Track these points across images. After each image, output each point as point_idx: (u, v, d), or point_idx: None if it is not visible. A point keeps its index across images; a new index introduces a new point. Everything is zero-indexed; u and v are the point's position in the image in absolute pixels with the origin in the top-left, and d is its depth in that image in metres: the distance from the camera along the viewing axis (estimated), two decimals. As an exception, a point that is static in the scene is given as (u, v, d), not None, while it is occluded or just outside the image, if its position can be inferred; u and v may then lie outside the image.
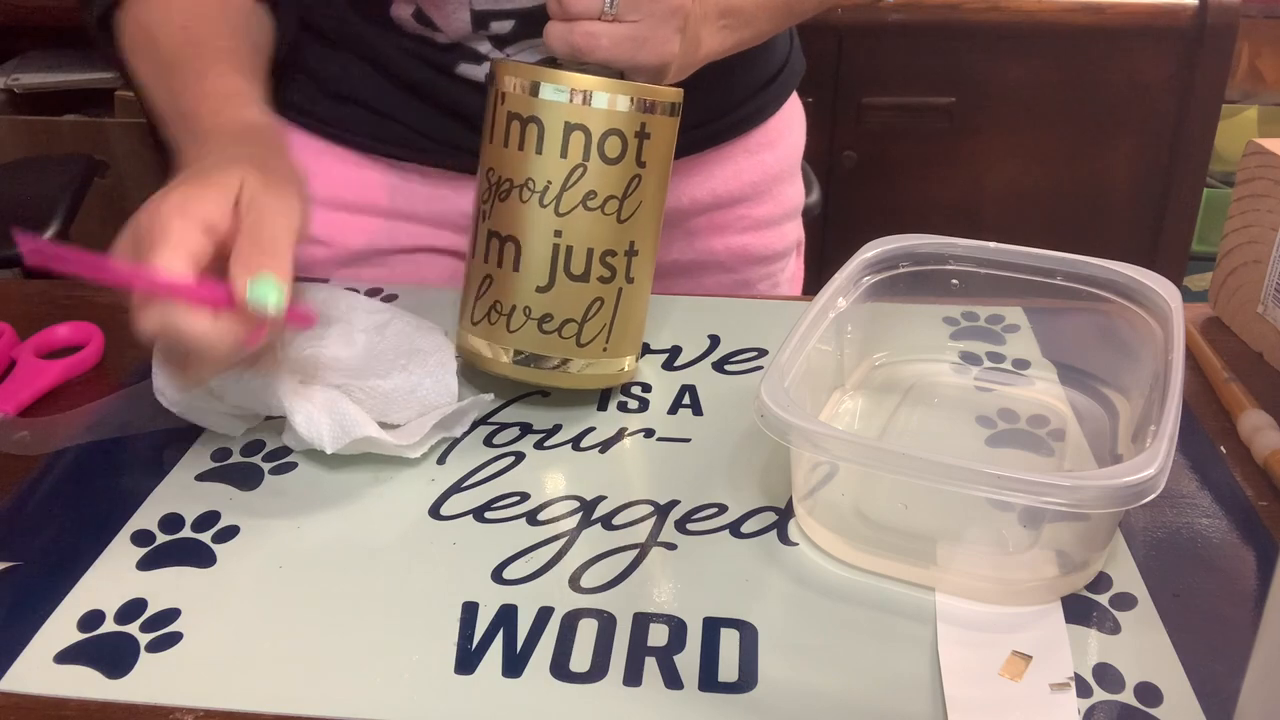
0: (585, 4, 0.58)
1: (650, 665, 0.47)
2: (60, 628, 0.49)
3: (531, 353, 0.61)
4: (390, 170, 0.82)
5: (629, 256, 0.62)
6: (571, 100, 0.58)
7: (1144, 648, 0.47)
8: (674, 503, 0.57)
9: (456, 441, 0.62)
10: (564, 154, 0.59)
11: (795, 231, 0.94)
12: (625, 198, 0.60)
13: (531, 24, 0.74)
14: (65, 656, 0.47)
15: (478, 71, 0.76)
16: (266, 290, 0.50)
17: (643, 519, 0.56)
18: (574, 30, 0.59)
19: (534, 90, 0.59)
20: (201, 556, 0.53)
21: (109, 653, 0.47)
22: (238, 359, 0.53)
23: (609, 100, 0.58)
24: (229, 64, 0.66)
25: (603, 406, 0.65)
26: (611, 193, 0.60)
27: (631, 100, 0.59)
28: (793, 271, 0.95)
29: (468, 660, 0.47)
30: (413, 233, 0.83)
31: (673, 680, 0.46)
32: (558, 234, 0.60)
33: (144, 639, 0.48)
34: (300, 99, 0.80)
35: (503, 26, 0.74)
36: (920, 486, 0.50)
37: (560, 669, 0.46)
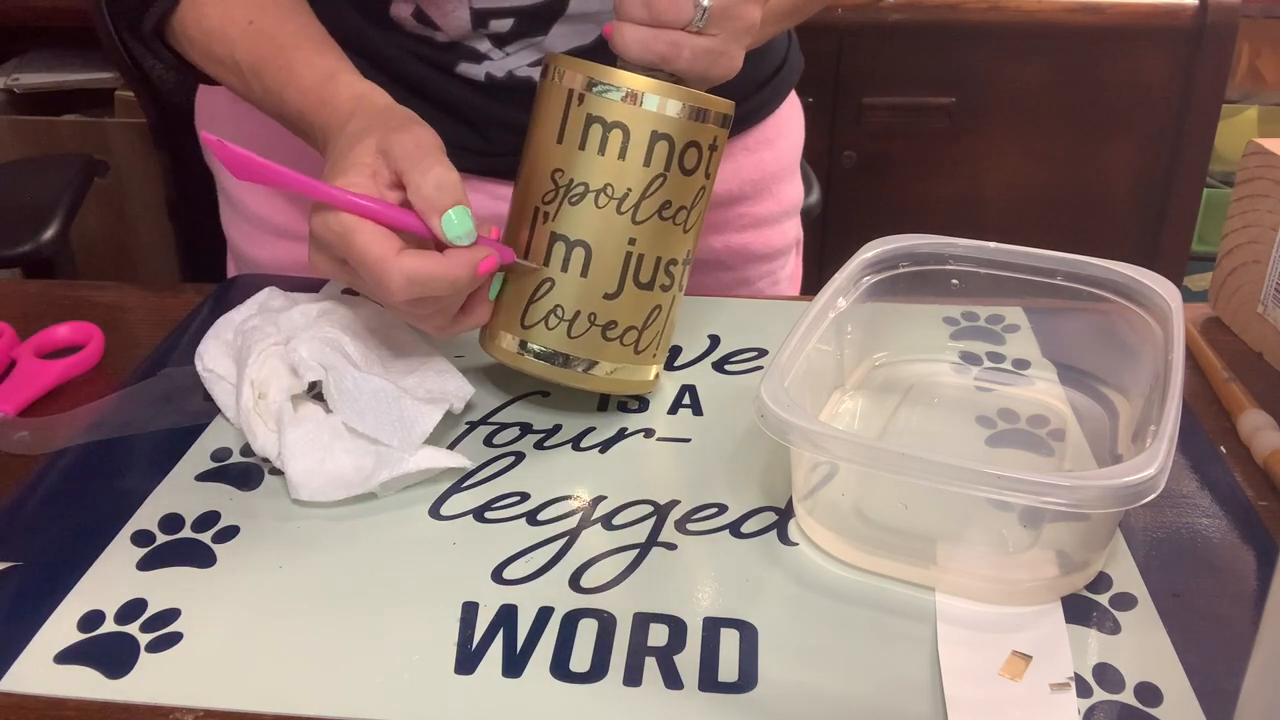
0: (677, 14, 0.58)
1: (650, 665, 0.47)
2: (60, 628, 0.49)
3: (589, 359, 0.61)
4: None
5: (685, 265, 0.62)
6: (653, 108, 0.57)
7: (1144, 648, 0.47)
8: (674, 503, 0.57)
9: (457, 441, 0.62)
10: (647, 162, 0.58)
11: (795, 229, 0.94)
12: (692, 208, 0.61)
13: (531, 22, 0.74)
14: (65, 656, 0.47)
15: (477, 70, 0.76)
16: (455, 222, 0.55)
17: (643, 519, 0.56)
18: (659, 38, 0.58)
19: (631, 98, 0.57)
20: (201, 556, 0.53)
21: (109, 653, 0.47)
22: (473, 287, 0.58)
23: (689, 111, 0.58)
24: (307, 49, 0.67)
25: (603, 406, 0.65)
26: (683, 203, 0.60)
27: (711, 114, 0.59)
28: (792, 269, 0.95)
29: (468, 660, 0.47)
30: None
31: (673, 680, 0.46)
32: (632, 241, 0.59)
33: (144, 639, 0.48)
34: None
35: (502, 25, 0.74)
36: (920, 486, 0.50)
37: (560, 669, 0.46)
